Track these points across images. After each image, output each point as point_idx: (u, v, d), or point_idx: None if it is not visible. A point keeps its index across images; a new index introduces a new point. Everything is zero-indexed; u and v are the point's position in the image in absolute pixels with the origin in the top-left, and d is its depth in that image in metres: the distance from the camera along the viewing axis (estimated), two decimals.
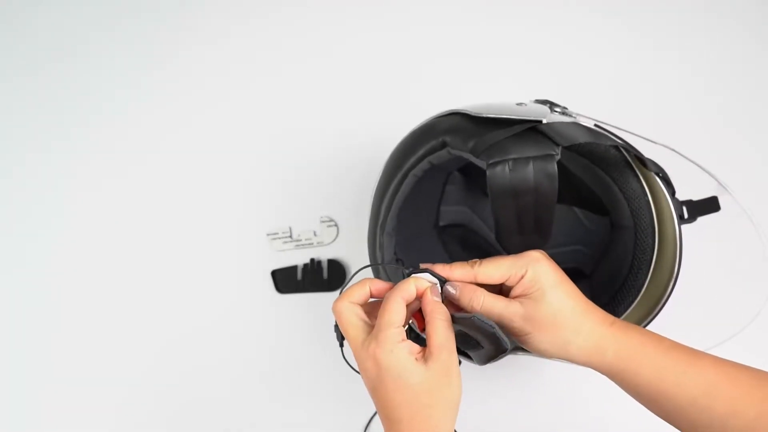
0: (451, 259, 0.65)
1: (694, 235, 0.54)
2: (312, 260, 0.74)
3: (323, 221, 0.75)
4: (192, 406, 0.71)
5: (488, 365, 0.43)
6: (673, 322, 0.51)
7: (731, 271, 0.69)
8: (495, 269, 0.40)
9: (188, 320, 0.74)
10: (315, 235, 0.75)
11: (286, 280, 0.73)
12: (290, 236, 0.75)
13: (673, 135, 0.55)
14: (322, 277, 0.73)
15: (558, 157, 0.41)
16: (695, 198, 0.51)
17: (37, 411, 0.72)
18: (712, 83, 0.77)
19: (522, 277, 0.39)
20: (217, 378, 0.71)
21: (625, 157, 0.49)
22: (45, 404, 0.73)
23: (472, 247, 0.66)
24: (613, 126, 0.50)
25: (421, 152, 0.48)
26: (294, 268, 0.74)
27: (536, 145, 0.42)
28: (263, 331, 0.73)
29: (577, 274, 0.61)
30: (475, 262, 0.41)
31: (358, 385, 0.69)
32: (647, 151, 0.50)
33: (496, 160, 0.41)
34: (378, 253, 0.52)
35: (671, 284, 0.48)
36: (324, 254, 0.75)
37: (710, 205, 0.51)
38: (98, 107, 0.82)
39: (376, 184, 0.54)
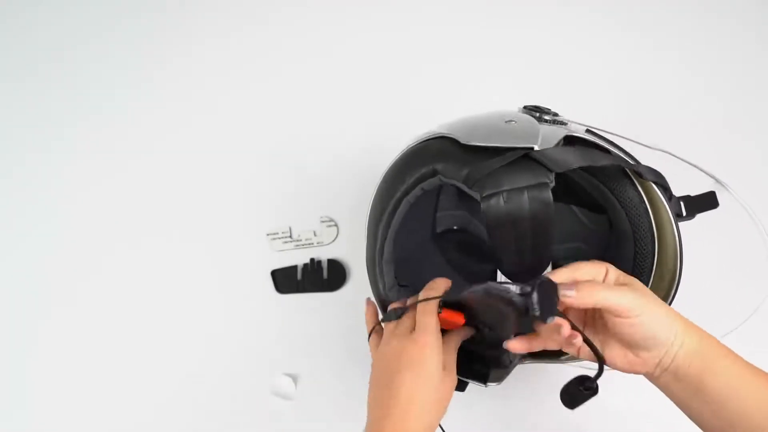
0: (451, 266, 0.65)
1: (692, 232, 0.53)
2: (312, 260, 0.74)
3: (323, 221, 0.75)
4: (191, 405, 0.71)
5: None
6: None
7: (730, 267, 0.68)
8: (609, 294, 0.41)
9: (188, 320, 0.73)
10: (315, 235, 0.75)
11: (286, 280, 0.73)
12: (290, 236, 0.75)
13: (672, 133, 0.56)
14: (322, 277, 0.73)
15: (552, 185, 0.41)
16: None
17: (37, 413, 0.72)
18: (711, 83, 0.77)
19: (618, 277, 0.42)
20: (216, 378, 0.71)
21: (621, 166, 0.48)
22: (45, 406, 0.72)
23: (472, 249, 0.66)
24: (605, 131, 0.49)
25: (412, 180, 0.47)
26: (294, 268, 0.74)
27: (529, 173, 0.41)
28: (263, 331, 0.73)
29: None
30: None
31: (357, 385, 0.69)
32: (642, 153, 0.49)
33: (490, 192, 0.41)
34: (379, 280, 0.52)
35: (674, 289, 0.48)
36: (324, 254, 0.75)
37: (708, 202, 0.50)
38: (98, 107, 0.82)
39: (370, 206, 0.53)
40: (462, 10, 0.82)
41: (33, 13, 0.86)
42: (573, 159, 0.42)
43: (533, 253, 0.43)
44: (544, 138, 0.43)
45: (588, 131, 0.49)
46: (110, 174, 0.80)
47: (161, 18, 0.85)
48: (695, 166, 0.50)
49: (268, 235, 0.75)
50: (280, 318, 0.73)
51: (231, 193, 0.78)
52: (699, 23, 0.79)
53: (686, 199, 0.49)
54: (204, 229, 0.77)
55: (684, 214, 0.49)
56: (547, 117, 0.49)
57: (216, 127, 0.80)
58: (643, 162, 0.49)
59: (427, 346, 0.43)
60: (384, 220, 0.49)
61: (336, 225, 0.75)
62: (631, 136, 0.51)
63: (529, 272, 0.43)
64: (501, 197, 0.40)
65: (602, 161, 0.44)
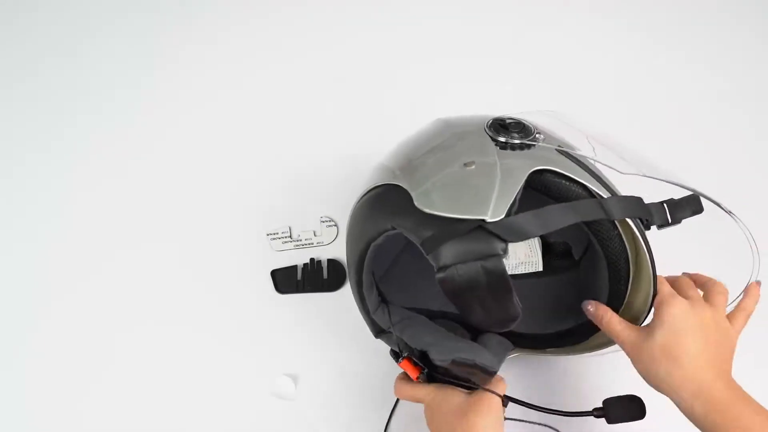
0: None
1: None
2: (312, 260, 0.74)
3: (323, 221, 0.75)
4: (190, 405, 0.71)
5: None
6: None
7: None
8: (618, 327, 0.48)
9: (188, 320, 0.73)
10: (315, 235, 0.75)
11: (285, 280, 0.73)
12: (290, 236, 0.75)
13: (671, 132, 0.55)
14: (321, 277, 0.73)
15: (506, 256, 0.41)
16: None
17: (37, 414, 0.72)
18: (716, 84, 0.77)
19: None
20: (216, 378, 0.71)
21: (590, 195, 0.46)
22: (45, 407, 0.72)
23: None
24: (578, 154, 0.48)
25: (373, 233, 0.49)
26: (294, 268, 0.74)
27: (483, 243, 0.41)
28: (263, 331, 0.73)
29: (566, 256, 0.62)
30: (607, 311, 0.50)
31: (357, 385, 0.69)
32: (617, 178, 0.48)
33: (444, 264, 0.42)
34: (364, 307, 0.55)
35: (648, 303, 0.49)
36: (324, 254, 0.75)
37: (693, 206, 0.48)
38: (98, 107, 0.82)
39: (345, 241, 0.56)
40: (461, 10, 0.82)
41: (33, 13, 0.86)
42: (530, 226, 0.42)
43: (498, 310, 0.44)
44: (500, 192, 0.42)
45: (558, 149, 0.47)
46: (110, 174, 0.80)
47: (162, 19, 0.85)
48: (678, 184, 0.46)
49: (268, 235, 0.75)
50: (280, 318, 0.73)
51: (231, 193, 0.78)
52: (703, 24, 0.79)
53: (670, 203, 0.47)
54: (204, 229, 0.77)
55: (670, 221, 0.47)
56: (515, 141, 0.47)
57: (216, 127, 0.80)
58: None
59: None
60: (356, 264, 0.52)
61: (336, 225, 0.75)
62: (612, 145, 0.48)
63: (496, 324, 0.46)
64: (455, 270, 0.42)
65: (561, 222, 0.42)
